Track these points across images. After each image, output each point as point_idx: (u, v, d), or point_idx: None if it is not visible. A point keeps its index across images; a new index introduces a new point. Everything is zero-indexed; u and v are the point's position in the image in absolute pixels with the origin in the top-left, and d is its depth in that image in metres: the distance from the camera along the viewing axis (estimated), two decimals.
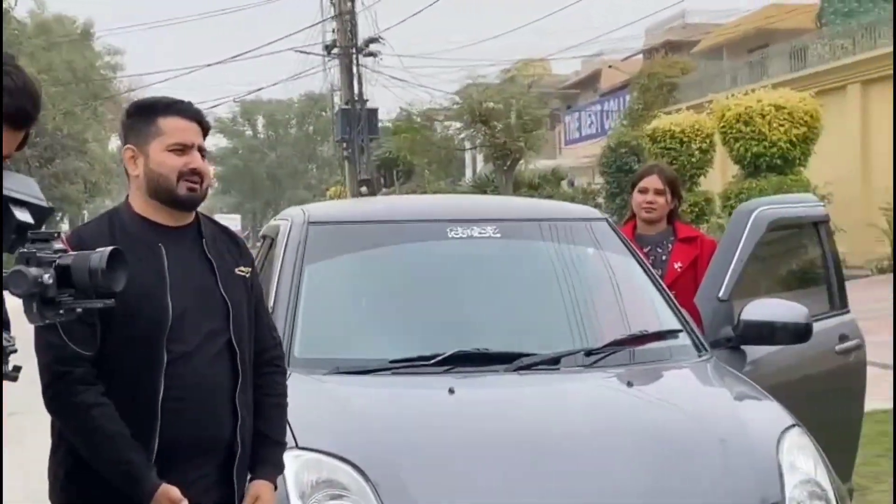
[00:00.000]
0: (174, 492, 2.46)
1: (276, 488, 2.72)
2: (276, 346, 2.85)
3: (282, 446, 2.76)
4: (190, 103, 2.70)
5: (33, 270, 2.05)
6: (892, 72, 18.45)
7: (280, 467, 2.76)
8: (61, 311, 2.15)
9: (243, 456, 2.65)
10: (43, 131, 38.66)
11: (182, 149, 2.61)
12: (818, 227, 4.88)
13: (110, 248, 2.21)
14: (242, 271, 2.72)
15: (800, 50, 22.53)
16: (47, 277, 2.07)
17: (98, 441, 2.48)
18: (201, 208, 2.75)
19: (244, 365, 2.64)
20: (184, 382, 2.52)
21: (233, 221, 46.87)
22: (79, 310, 2.20)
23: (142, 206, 2.64)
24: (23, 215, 2.08)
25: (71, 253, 2.19)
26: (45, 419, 2.64)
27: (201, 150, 2.66)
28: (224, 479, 2.62)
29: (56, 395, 2.50)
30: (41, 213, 2.13)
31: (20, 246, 2.09)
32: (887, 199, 17.07)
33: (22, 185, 2.10)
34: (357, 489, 2.92)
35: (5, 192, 2.03)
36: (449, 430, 3.25)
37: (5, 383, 2.08)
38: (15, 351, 2.09)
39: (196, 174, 2.61)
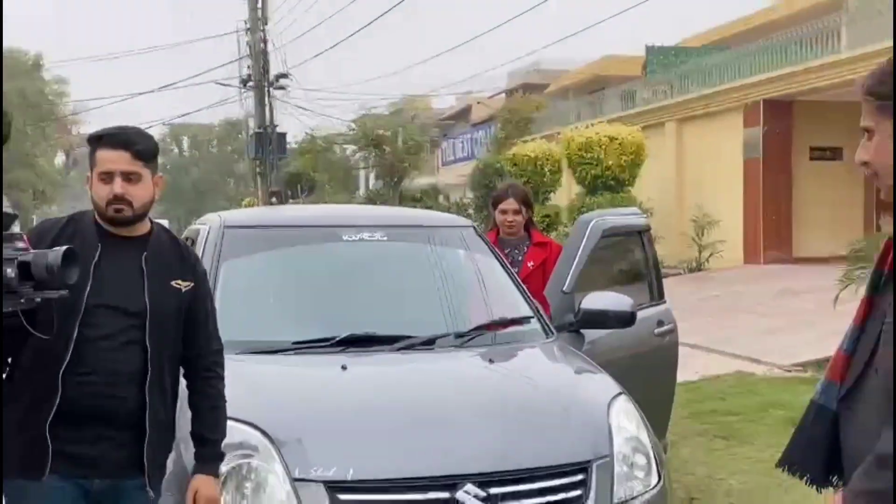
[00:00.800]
0: None
1: (217, 477, 2.63)
2: (214, 353, 2.69)
3: (217, 441, 2.65)
4: (120, 133, 2.51)
5: None
6: (699, 112, 19.11)
7: (219, 457, 2.66)
8: (22, 300, 2.15)
9: (153, 441, 2.53)
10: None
11: (109, 177, 2.48)
12: (642, 234, 5.01)
13: (65, 247, 2.19)
14: (179, 284, 2.58)
15: (629, 93, 23.09)
16: (10, 272, 2.08)
17: None
18: None
19: (155, 362, 2.51)
20: (89, 359, 2.44)
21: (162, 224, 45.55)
22: (38, 299, 2.18)
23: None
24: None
25: (31, 251, 2.17)
26: None
27: (128, 174, 2.47)
28: (132, 448, 2.51)
29: None
30: (8, 219, 2.18)
31: None
32: (695, 213, 17.67)
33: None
34: (263, 449, 2.88)
35: None
36: (342, 399, 3.21)
37: None
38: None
39: (118, 200, 2.47)
